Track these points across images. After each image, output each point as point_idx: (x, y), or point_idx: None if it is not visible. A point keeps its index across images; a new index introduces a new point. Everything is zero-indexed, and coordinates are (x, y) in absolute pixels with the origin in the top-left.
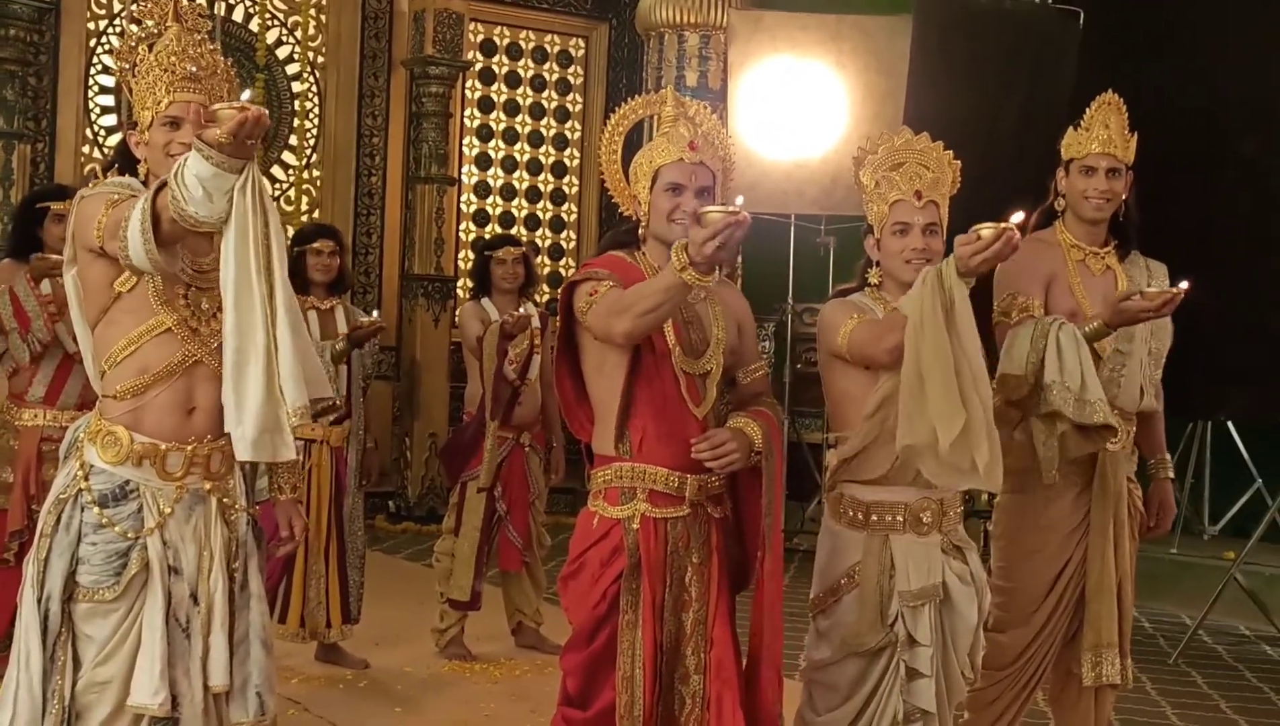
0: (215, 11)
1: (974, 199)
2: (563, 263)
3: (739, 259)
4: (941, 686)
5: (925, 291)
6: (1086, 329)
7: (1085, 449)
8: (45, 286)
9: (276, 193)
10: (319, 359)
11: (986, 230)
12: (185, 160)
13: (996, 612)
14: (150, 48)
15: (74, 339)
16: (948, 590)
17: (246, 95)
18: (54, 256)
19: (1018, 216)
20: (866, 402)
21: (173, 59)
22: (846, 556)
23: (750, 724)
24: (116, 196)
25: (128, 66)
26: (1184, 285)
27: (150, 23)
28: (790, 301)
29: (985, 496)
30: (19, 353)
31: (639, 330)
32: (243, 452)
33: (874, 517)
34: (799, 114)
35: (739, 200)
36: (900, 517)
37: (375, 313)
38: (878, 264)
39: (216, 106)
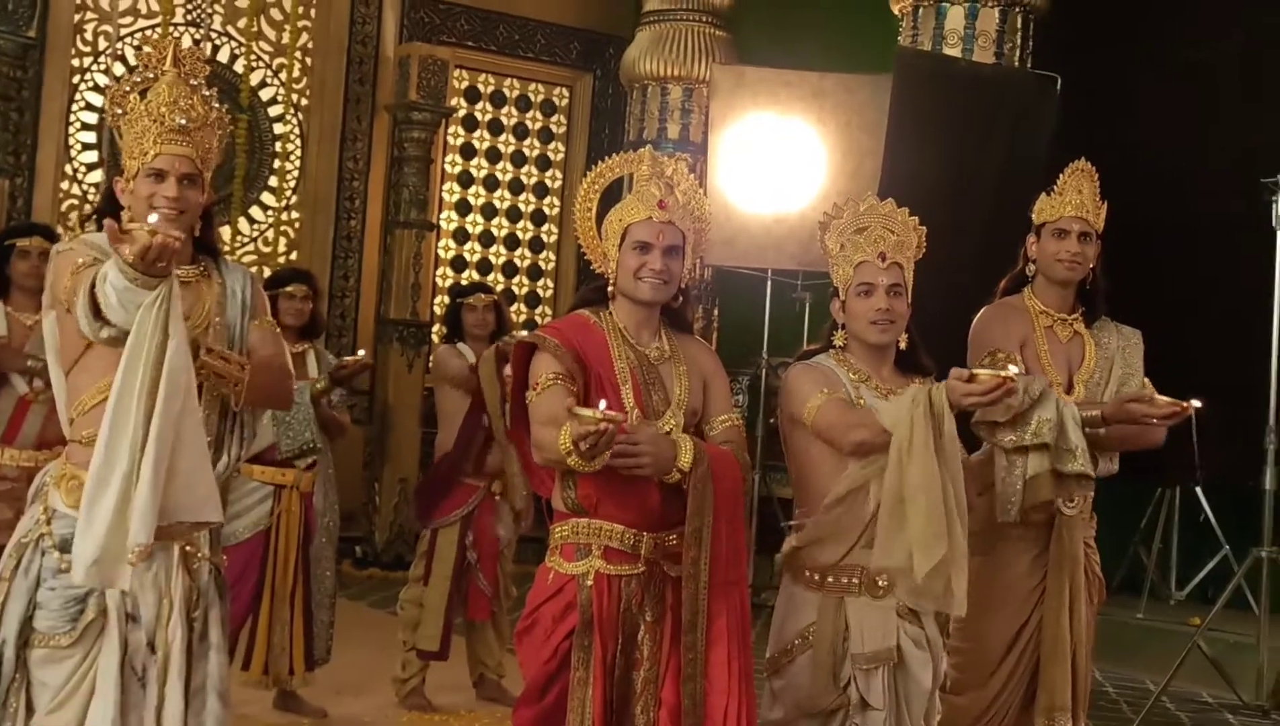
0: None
1: (949, 258)
2: (539, 311)
3: (715, 312)
4: None
5: (917, 413)
6: (1084, 415)
7: (1055, 494)
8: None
9: (255, 233)
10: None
11: (984, 374)
12: (109, 266)
13: (954, 674)
14: (143, 95)
15: (27, 382)
16: (902, 654)
17: (154, 218)
18: None
19: (1015, 369)
20: (828, 492)
21: (163, 110)
22: (801, 617)
23: None
24: (82, 261)
25: (120, 112)
26: (1195, 403)
27: (140, 67)
28: (765, 356)
29: None
30: None
31: None
32: (77, 574)
33: (829, 579)
34: (779, 169)
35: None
36: (856, 580)
37: (361, 351)
38: (843, 327)
39: (130, 226)
